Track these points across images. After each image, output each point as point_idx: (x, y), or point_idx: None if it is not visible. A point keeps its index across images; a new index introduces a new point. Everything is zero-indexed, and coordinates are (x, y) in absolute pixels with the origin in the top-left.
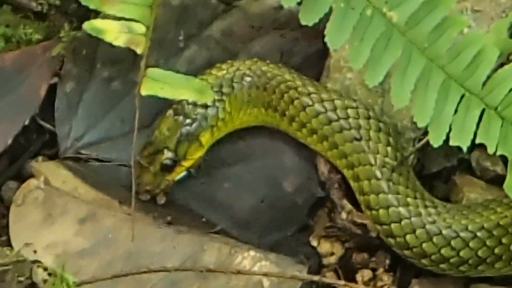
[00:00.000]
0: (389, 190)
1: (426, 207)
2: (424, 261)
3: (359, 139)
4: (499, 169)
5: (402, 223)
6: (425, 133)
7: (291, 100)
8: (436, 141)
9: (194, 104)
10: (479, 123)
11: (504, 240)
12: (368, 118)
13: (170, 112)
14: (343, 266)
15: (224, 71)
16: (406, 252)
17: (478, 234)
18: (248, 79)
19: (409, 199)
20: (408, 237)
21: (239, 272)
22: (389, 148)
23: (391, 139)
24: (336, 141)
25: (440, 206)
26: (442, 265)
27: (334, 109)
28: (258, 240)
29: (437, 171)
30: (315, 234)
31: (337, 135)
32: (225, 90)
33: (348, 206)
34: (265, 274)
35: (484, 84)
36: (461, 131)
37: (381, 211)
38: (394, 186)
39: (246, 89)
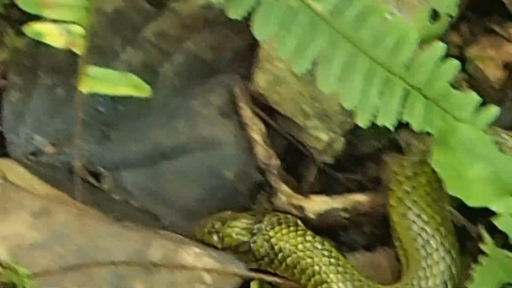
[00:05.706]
0: None
1: None
2: None
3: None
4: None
5: None
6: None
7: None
8: (363, 122)
9: (264, 237)
10: (404, 104)
11: None
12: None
13: (260, 225)
14: None
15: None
16: None
17: None
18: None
19: None
20: None
21: (182, 267)
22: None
23: None
24: None
25: None
26: None
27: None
28: None
29: (369, 152)
30: None
31: None
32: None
33: (286, 189)
34: (207, 270)
35: (407, 66)
36: (387, 112)
37: None
38: None
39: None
